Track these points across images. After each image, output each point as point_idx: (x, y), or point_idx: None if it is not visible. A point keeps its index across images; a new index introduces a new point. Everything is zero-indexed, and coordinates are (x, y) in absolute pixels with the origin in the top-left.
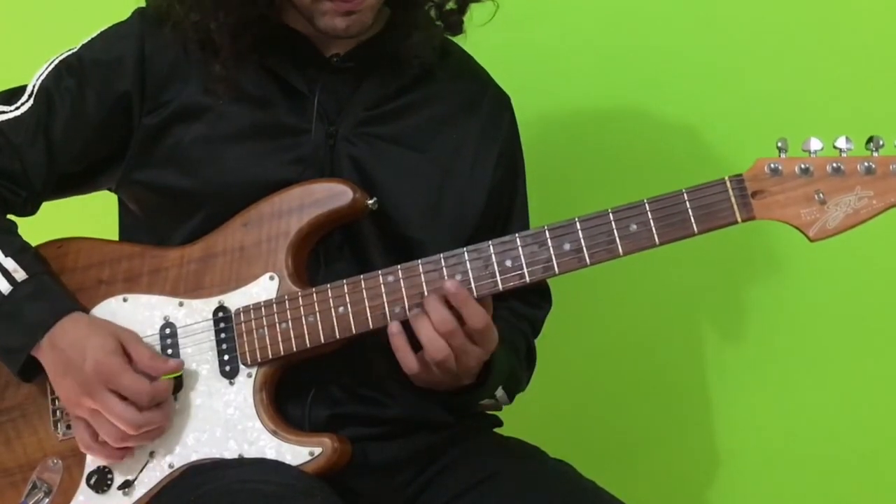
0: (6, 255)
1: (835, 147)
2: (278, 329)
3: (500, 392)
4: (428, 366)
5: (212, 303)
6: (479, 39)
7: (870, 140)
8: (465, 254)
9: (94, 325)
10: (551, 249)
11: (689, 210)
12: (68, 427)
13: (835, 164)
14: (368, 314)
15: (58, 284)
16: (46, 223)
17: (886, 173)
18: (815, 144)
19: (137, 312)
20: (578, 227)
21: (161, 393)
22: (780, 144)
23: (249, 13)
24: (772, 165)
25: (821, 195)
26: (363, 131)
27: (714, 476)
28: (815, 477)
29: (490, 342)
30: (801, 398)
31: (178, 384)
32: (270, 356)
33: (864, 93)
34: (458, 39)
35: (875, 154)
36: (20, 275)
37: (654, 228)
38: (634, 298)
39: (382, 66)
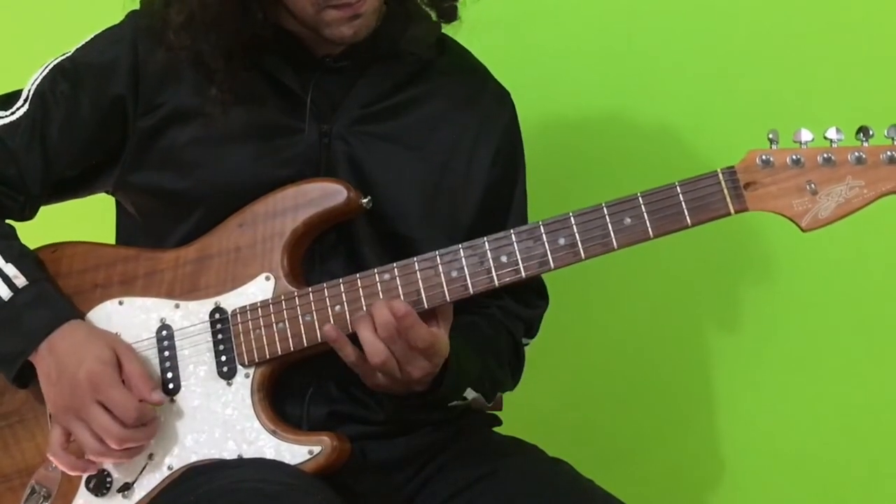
0: (6, 261)
1: (825, 138)
2: (275, 329)
3: (471, 394)
4: (367, 371)
5: (208, 304)
6: (475, 40)
7: (860, 130)
8: (461, 250)
9: (92, 334)
10: (546, 244)
11: (683, 203)
12: None
13: (826, 155)
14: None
15: (58, 291)
16: (44, 225)
17: (877, 163)
18: (806, 135)
19: (133, 315)
20: (573, 221)
21: (147, 413)
22: (771, 136)
23: (243, 34)
24: (763, 157)
25: (812, 185)
26: (358, 129)
27: (712, 474)
28: (814, 473)
29: (437, 356)
30: (800, 394)
31: (176, 387)
32: (268, 356)
33: (854, 83)
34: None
35: (865, 144)
36: (21, 281)
37: (647, 221)
38: (631, 295)
39: (378, 63)
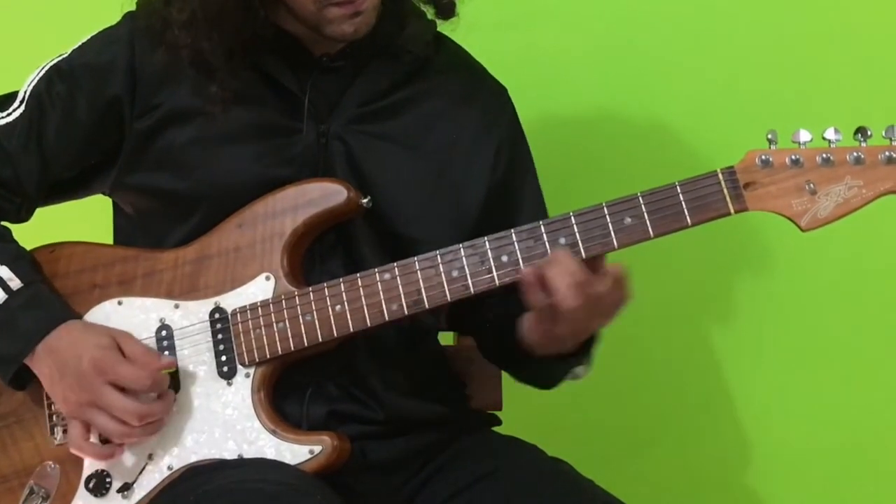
0: (1, 263)
1: (824, 138)
2: (275, 329)
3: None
4: (549, 317)
5: (208, 304)
6: (474, 39)
7: (858, 131)
8: (461, 250)
9: (88, 329)
10: (547, 244)
11: (683, 202)
12: (65, 431)
13: (824, 155)
14: (366, 312)
15: (53, 293)
16: (41, 226)
17: (875, 163)
18: (805, 136)
19: (133, 315)
20: (573, 221)
21: (160, 381)
22: (770, 136)
23: (244, 33)
24: (762, 157)
25: (811, 185)
26: (356, 129)
27: (711, 473)
28: (814, 472)
29: (613, 315)
30: (800, 394)
31: (176, 386)
32: (268, 356)
33: (852, 84)
34: (452, 38)
35: (863, 144)
36: (15, 283)
37: (648, 221)
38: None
39: (375, 62)
